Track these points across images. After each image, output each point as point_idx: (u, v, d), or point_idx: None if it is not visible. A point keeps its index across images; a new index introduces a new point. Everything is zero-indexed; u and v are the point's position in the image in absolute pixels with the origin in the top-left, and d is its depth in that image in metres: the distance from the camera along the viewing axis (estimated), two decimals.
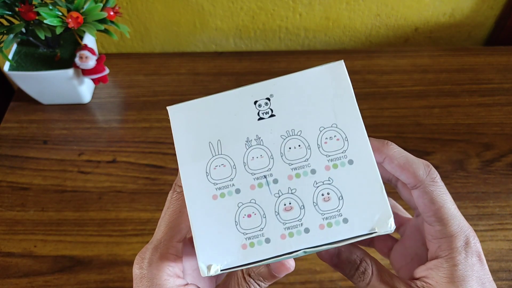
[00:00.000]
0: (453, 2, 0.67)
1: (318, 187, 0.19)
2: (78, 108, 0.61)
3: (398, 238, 0.30)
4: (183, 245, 0.26)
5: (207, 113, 0.21)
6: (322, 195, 0.19)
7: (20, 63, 0.56)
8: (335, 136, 0.20)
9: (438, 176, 0.24)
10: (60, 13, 0.50)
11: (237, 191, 0.19)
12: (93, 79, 0.58)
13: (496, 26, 0.71)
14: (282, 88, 0.21)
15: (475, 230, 0.52)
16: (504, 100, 0.61)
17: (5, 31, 0.50)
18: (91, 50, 0.55)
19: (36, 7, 0.49)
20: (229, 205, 0.19)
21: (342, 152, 0.20)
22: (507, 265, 0.46)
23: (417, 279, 0.25)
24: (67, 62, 0.56)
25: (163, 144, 0.57)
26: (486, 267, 0.24)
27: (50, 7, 0.50)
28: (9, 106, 0.62)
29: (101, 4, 0.51)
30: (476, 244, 0.24)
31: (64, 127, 0.59)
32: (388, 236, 0.31)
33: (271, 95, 0.21)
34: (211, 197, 0.19)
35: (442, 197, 0.24)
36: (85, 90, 0.60)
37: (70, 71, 0.55)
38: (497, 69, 0.65)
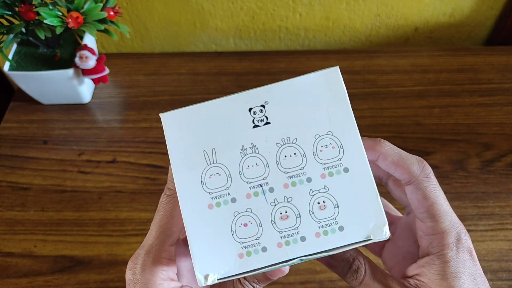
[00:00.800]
0: (453, 2, 0.67)
1: (314, 195, 0.19)
2: (78, 108, 0.61)
3: (390, 237, 0.30)
4: (176, 247, 0.26)
5: (201, 121, 0.20)
6: (318, 203, 0.19)
7: (20, 63, 0.56)
8: (330, 144, 0.20)
9: (432, 172, 0.24)
10: (60, 13, 0.50)
11: (233, 200, 0.19)
12: (93, 79, 0.58)
13: (496, 26, 0.71)
14: (277, 95, 0.20)
15: (475, 230, 0.52)
16: (504, 100, 0.61)
17: (5, 31, 0.50)
18: (91, 50, 0.55)
19: (36, 7, 0.49)
20: (225, 214, 0.19)
21: (338, 160, 0.20)
22: (507, 265, 0.46)
23: (410, 277, 0.25)
24: (67, 62, 0.56)
25: (163, 144, 0.56)
26: (478, 263, 0.24)
27: (50, 7, 0.50)
28: (9, 106, 0.62)
29: (101, 4, 0.51)
30: (467, 240, 0.24)
31: (64, 127, 0.59)
32: None
33: (266, 102, 0.20)
34: (206, 207, 0.19)
35: (435, 193, 0.24)
36: (85, 90, 0.60)
37: (70, 71, 0.55)
38: (497, 69, 0.65)
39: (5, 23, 0.52)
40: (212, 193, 0.19)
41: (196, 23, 0.69)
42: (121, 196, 0.52)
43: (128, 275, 0.25)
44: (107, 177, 0.54)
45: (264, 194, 0.19)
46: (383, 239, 0.20)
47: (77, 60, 0.54)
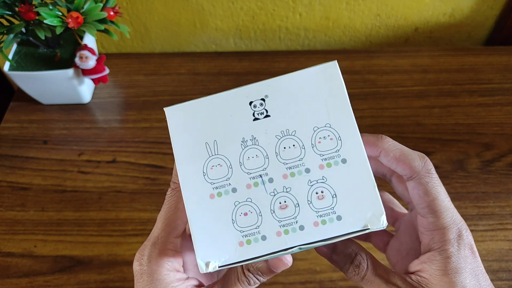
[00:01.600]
0: (453, 2, 0.67)
1: (312, 185, 0.20)
2: (78, 108, 0.61)
3: (394, 233, 0.30)
4: (183, 241, 0.26)
5: (203, 114, 0.21)
6: (316, 193, 0.19)
7: (20, 63, 0.56)
8: (328, 135, 0.20)
9: (433, 168, 0.24)
10: (60, 13, 0.50)
11: (234, 190, 0.20)
12: (93, 79, 0.58)
13: (496, 26, 0.71)
14: (277, 88, 0.21)
15: (475, 230, 0.52)
16: (504, 100, 0.61)
17: (5, 31, 0.50)
18: (91, 50, 0.55)
19: (36, 7, 0.49)
20: (226, 203, 0.19)
21: (336, 152, 0.20)
22: (507, 265, 0.46)
23: (412, 273, 0.25)
24: (67, 62, 0.56)
25: (163, 144, 0.57)
26: (479, 259, 0.24)
27: (50, 7, 0.50)
28: (9, 106, 0.62)
29: (101, 4, 0.51)
30: (468, 236, 0.24)
31: (64, 127, 0.59)
32: (384, 231, 0.31)
33: (266, 96, 0.21)
34: (208, 196, 0.19)
35: (436, 189, 0.24)
36: (85, 90, 0.60)
37: (70, 71, 0.55)
38: (497, 69, 0.65)
39: (5, 23, 0.52)
40: (214, 183, 0.20)
41: (196, 23, 0.69)
42: (121, 196, 0.52)
43: (136, 266, 0.25)
44: (107, 177, 0.54)
45: (263, 185, 0.19)
46: (380, 229, 0.20)
47: (77, 60, 0.54)
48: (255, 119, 0.21)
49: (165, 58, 0.68)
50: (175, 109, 0.21)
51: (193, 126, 0.21)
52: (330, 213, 0.19)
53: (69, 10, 0.50)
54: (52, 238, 0.49)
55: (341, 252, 0.25)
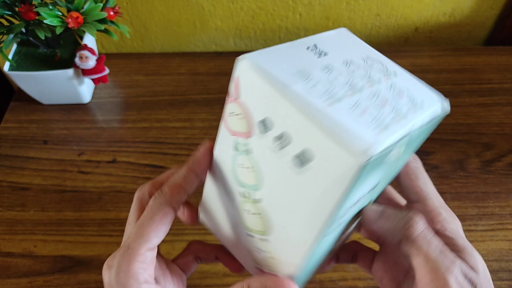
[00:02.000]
0: (453, 2, 0.67)
1: (389, 89, 0.23)
2: (78, 108, 0.61)
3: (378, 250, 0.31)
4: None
5: (277, 57, 0.23)
6: (397, 93, 0.23)
7: (20, 63, 0.56)
8: (375, 60, 0.25)
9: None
10: (60, 13, 0.50)
11: (342, 97, 0.22)
12: (93, 79, 0.58)
13: (496, 26, 0.71)
14: (319, 39, 0.25)
15: (475, 230, 0.52)
16: (504, 100, 0.61)
17: (5, 31, 0.50)
18: (91, 50, 0.55)
19: (36, 7, 0.49)
20: (342, 108, 0.21)
21: (386, 69, 0.25)
22: (507, 265, 0.46)
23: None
24: (67, 62, 0.56)
25: (163, 144, 0.57)
26: None
27: (50, 7, 0.50)
28: (9, 106, 0.62)
29: (101, 4, 0.51)
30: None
31: (64, 127, 0.59)
32: (368, 249, 0.31)
33: (316, 43, 0.25)
34: (324, 105, 0.21)
35: (424, 174, 0.27)
36: (85, 90, 0.60)
37: (70, 71, 0.55)
38: (497, 69, 0.65)
39: (5, 23, 0.52)
40: (323, 95, 0.22)
41: (196, 23, 0.69)
42: (121, 196, 0.52)
43: (105, 278, 0.24)
44: (107, 177, 0.54)
45: (359, 91, 0.22)
46: (446, 111, 0.23)
47: (77, 60, 0.54)
48: (318, 56, 0.24)
49: (165, 58, 0.68)
50: (254, 55, 0.23)
51: (277, 64, 0.23)
52: (414, 106, 0.23)
53: (69, 10, 0.50)
54: (52, 238, 0.49)
55: (391, 214, 0.24)
